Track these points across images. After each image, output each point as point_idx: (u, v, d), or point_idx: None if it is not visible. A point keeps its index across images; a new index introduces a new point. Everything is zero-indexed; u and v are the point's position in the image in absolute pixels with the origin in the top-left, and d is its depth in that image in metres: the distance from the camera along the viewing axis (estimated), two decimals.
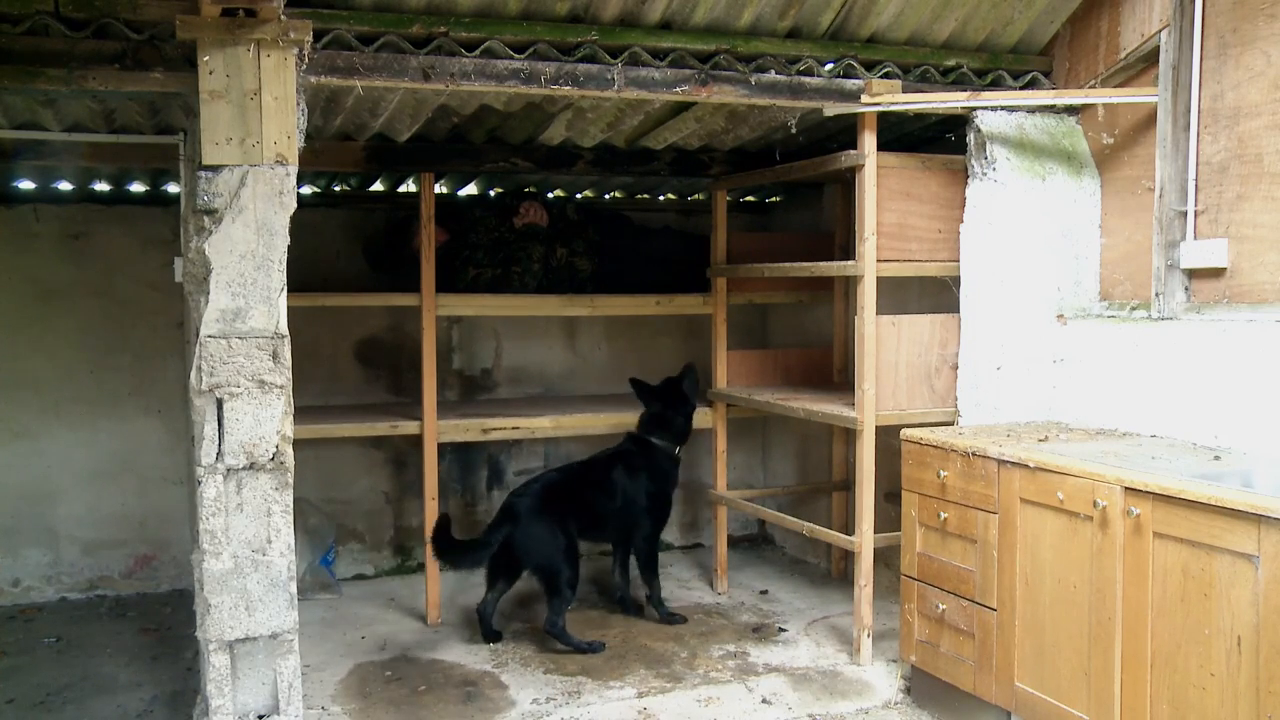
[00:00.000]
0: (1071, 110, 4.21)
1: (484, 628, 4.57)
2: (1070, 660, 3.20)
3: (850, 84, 3.94)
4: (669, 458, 4.83)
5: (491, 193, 5.81)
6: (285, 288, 3.14)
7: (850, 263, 4.12)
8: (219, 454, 3.10)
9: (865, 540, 4.16)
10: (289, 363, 3.15)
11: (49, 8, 3.08)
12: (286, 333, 3.15)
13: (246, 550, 3.14)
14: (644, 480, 4.76)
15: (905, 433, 3.87)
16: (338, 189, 5.57)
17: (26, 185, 5.18)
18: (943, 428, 3.99)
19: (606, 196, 6.05)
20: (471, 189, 5.80)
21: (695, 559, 5.93)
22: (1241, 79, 3.54)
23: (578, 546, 4.56)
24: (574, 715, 3.83)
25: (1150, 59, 3.83)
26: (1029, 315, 4.11)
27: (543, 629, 4.46)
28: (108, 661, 4.44)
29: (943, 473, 3.64)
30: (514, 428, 5.01)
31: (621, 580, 4.99)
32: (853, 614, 4.32)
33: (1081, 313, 4.10)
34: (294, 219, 3.16)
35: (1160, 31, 3.76)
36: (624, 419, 5.17)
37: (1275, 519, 2.59)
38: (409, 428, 4.82)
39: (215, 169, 3.07)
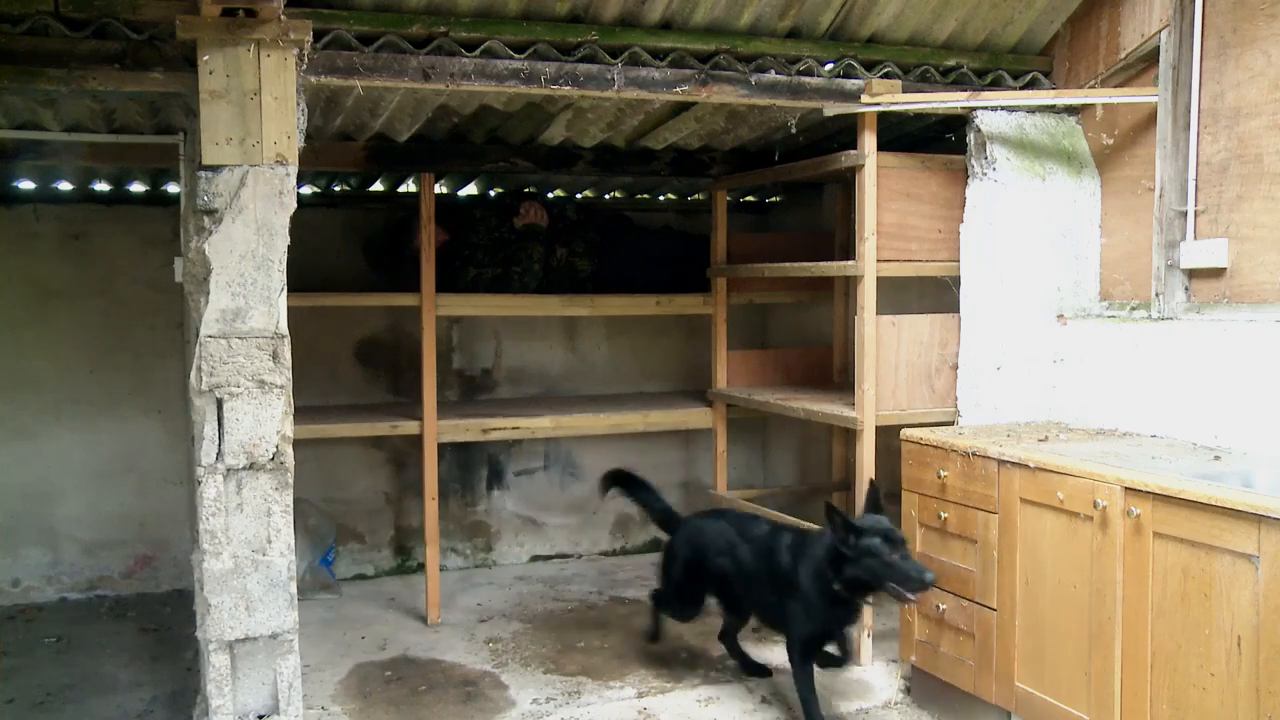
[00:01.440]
0: (1071, 110, 4.21)
1: (738, 661, 4.18)
2: (1070, 660, 3.20)
3: (850, 84, 3.94)
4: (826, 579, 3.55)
5: (491, 193, 5.81)
6: (285, 288, 3.14)
7: (850, 263, 4.12)
8: (219, 454, 3.09)
9: None
10: (289, 363, 3.15)
11: (49, 8, 3.08)
12: (286, 333, 3.15)
13: (246, 550, 3.13)
14: (783, 581, 3.70)
15: (905, 433, 3.87)
16: (338, 189, 5.57)
17: (26, 185, 5.18)
18: (943, 428, 3.99)
19: (606, 196, 6.05)
20: (471, 189, 5.80)
21: None
22: (1241, 79, 3.54)
23: (699, 584, 4.05)
24: (574, 715, 3.83)
25: (1150, 59, 3.83)
26: (1029, 315, 4.11)
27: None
28: (108, 661, 4.44)
29: (943, 473, 3.64)
30: (514, 428, 5.01)
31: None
32: None
33: (1081, 313, 4.10)
34: (294, 219, 3.16)
35: (1160, 31, 3.76)
36: (624, 419, 5.17)
37: (1275, 519, 2.59)
38: (409, 428, 4.82)
39: (215, 169, 3.07)
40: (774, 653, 4.26)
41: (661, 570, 4.25)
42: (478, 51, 3.52)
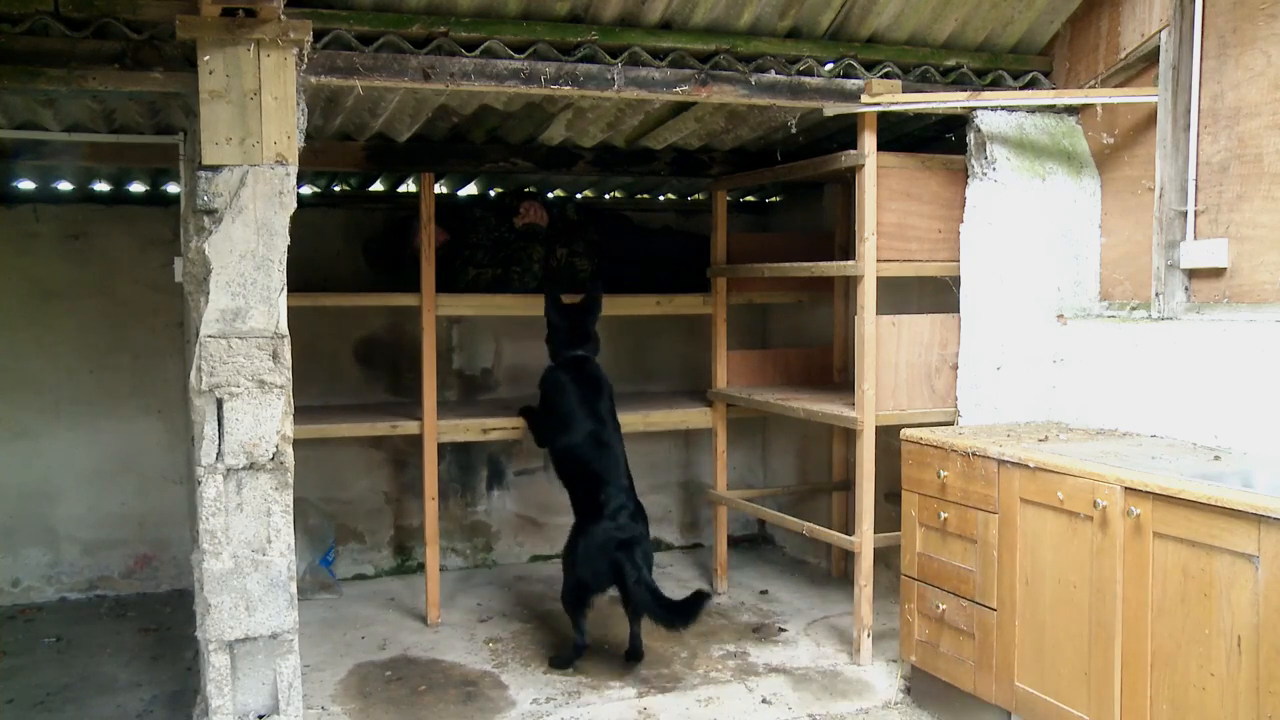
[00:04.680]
0: (1071, 110, 4.21)
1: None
2: (1070, 660, 3.20)
3: (850, 84, 3.94)
4: None
5: (491, 193, 5.81)
6: (285, 288, 3.14)
7: (850, 263, 4.12)
8: (219, 454, 3.10)
9: (865, 540, 4.16)
10: (289, 363, 3.15)
11: (49, 8, 3.08)
12: (286, 333, 3.15)
13: (246, 550, 3.14)
14: None
15: (905, 433, 3.87)
16: (338, 189, 5.57)
17: (26, 185, 5.18)
18: (943, 428, 3.99)
19: (606, 196, 6.05)
20: (471, 189, 5.80)
21: (695, 559, 5.93)
22: (1241, 79, 3.54)
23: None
24: (574, 715, 3.83)
25: (1150, 59, 3.83)
26: (1029, 315, 4.11)
27: None
28: (108, 661, 4.44)
29: (943, 473, 3.64)
30: (514, 428, 5.01)
31: None
32: (853, 614, 4.32)
33: (1081, 313, 4.10)
34: (294, 219, 3.16)
35: (1160, 31, 3.76)
36: (623, 419, 5.15)
37: (1275, 519, 2.59)
38: (409, 428, 4.82)
39: (215, 169, 3.07)
40: None
41: None
42: (478, 51, 3.52)
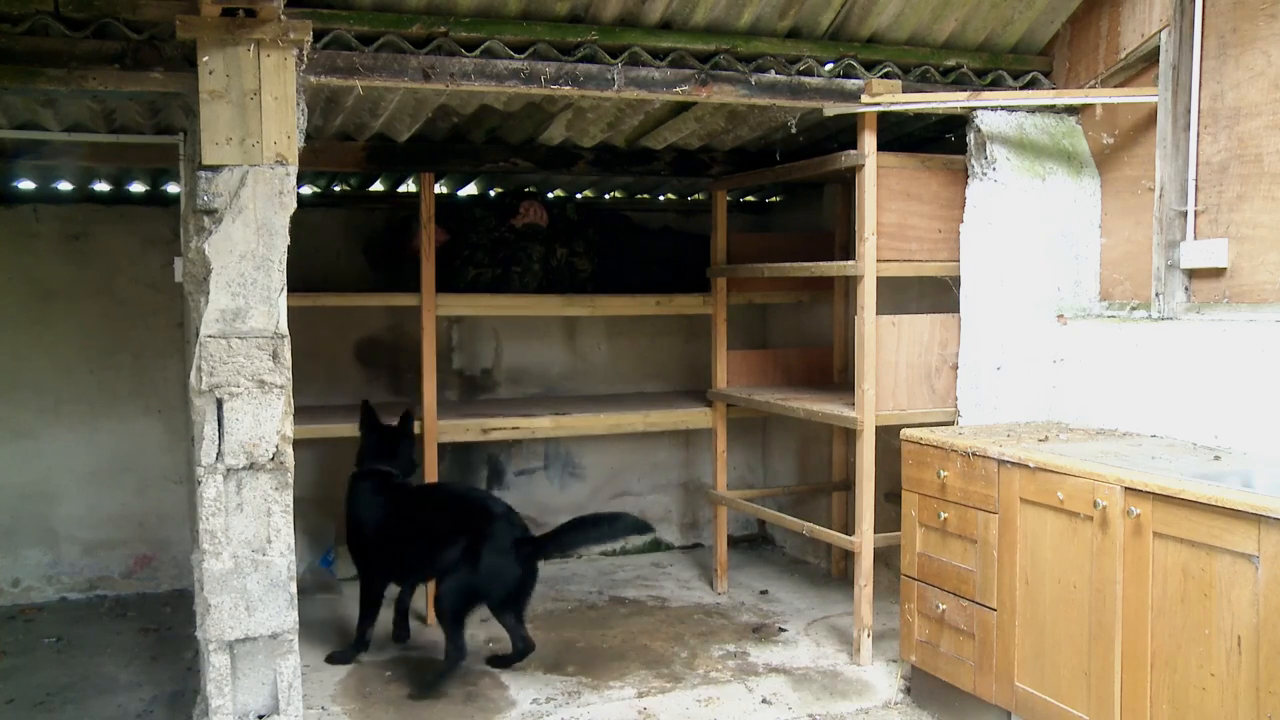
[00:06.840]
0: (1071, 110, 4.21)
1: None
2: (1070, 660, 3.20)
3: (850, 84, 3.94)
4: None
5: (491, 193, 5.81)
6: (285, 288, 3.14)
7: (850, 263, 4.13)
8: (219, 454, 3.10)
9: (865, 540, 4.17)
10: (289, 363, 3.15)
11: (49, 8, 3.08)
12: (286, 333, 3.15)
13: (246, 550, 3.14)
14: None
15: (905, 433, 3.87)
16: (338, 189, 5.57)
17: (26, 185, 5.18)
18: (943, 428, 3.99)
19: (606, 196, 6.05)
20: (471, 189, 5.80)
21: (695, 559, 5.93)
22: (1241, 79, 3.54)
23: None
24: (574, 715, 3.83)
25: (1150, 59, 3.83)
26: (1029, 315, 4.11)
27: None
28: (108, 661, 4.44)
29: (943, 473, 3.64)
30: (514, 428, 5.01)
31: None
32: (853, 614, 4.32)
33: (1081, 313, 4.10)
34: (294, 219, 3.16)
35: (1160, 31, 3.76)
36: (624, 419, 5.17)
37: (1275, 519, 2.59)
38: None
39: (215, 169, 3.07)
40: None
41: None
42: (478, 51, 3.52)
